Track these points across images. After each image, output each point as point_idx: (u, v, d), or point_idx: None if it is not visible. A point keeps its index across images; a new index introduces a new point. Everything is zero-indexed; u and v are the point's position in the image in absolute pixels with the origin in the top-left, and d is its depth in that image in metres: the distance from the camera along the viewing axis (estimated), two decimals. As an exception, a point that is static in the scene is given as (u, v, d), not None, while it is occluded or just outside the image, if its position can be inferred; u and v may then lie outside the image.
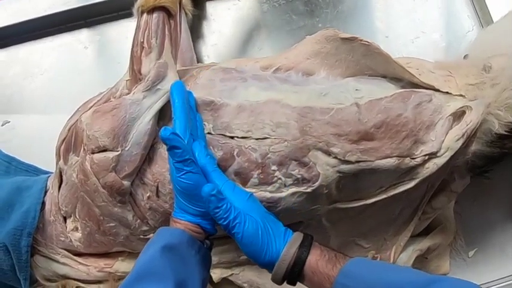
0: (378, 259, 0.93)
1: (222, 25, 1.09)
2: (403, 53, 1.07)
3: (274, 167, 0.82)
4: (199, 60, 1.06)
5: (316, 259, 0.72)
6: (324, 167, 0.82)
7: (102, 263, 0.96)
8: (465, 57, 0.94)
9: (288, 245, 0.73)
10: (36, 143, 1.06)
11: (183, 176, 0.74)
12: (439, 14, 1.10)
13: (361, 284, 0.66)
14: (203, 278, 0.75)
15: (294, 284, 0.74)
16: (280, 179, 0.83)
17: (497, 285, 1.00)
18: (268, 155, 0.82)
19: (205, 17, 1.09)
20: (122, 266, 0.95)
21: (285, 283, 0.76)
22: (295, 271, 0.72)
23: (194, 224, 0.76)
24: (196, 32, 1.08)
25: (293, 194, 0.83)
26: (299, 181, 0.83)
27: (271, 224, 0.75)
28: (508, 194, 1.06)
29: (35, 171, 1.02)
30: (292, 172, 0.82)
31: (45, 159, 0.99)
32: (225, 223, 0.72)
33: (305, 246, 0.73)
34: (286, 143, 0.82)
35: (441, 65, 0.92)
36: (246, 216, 0.73)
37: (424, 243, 0.95)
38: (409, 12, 1.10)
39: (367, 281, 0.66)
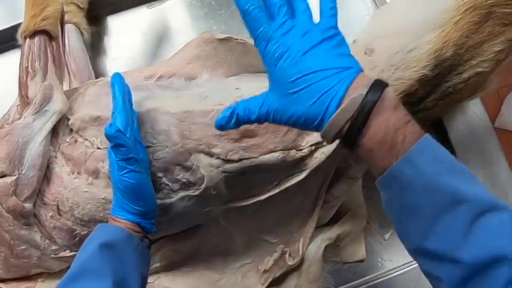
0: (287, 253, 0.93)
1: (121, 39, 1.11)
2: (300, 45, 1.06)
3: (160, 174, 0.83)
4: (102, 76, 1.08)
5: (378, 127, 0.56)
6: (208, 169, 0.83)
7: (23, 286, 0.98)
8: (354, 42, 0.94)
9: (338, 111, 0.57)
10: None
11: (125, 175, 0.73)
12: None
13: (422, 179, 0.55)
14: (143, 274, 0.75)
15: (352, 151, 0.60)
16: (167, 185, 0.84)
17: (415, 265, 0.99)
18: (153, 163, 0.83)
19: (106, 32, 1.11)
20: (43, 286, 0.97)
21: None
22: (350, 137, 0.58)
23: (134, 223, 0.76)
24: (97, 48, 1.10)
25: (182, 198, 0.84)
26: (186, 185, 0.84)
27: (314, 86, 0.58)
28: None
29: None
30: (178, 177, 0.83)
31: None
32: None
33: (368, 102, 0.56)
34: (167, 149, 0.83)
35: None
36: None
37: (332, 232, 0.95)
38: (302, 3, 1.09)
39: (430, 177, 0.55)
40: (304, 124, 0.60)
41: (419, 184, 0.55)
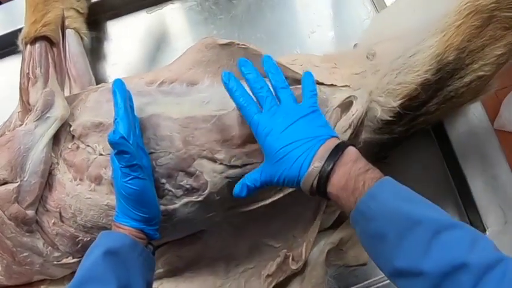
0: (290, 257, 0.93)
1: (121, 44, 1.10)
2: (301, 50, 1.07)
3: (163, 180, 0.83)
4: (103, 81, 1.07)
5: (338, 183, 0.69)
6: (211, 175, 0.82)
7: (25, 292, 0.97)
8: (355, 46, 0.94)
9: (309, 170, 0.71)
10: None
11: (129, 182, 0.73)
12: (333, 6, 1.10)
13: (384, 209, 0.65)
14: (147, 281, 0.75)
15: (328, 199, 0.73)
16: (171, 191, 0.84)
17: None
18: (156, 169, 0.83)
19: (105, 37, 1.11)
20: (45, 293, 0.96)
21: None
22: (320, 190, 0.71)
23: (137, 229, 0.76)
24: (97, 54, 1.10)
25: (186, 204, 0.84)
26: (189, 191, 0.83)
27: (291, 154, 0.73)
28: (419, 178, 1.06)
29: None
30: (181, 183, 0.83)
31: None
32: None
33: (330, 161, 0.70)
34: (170, 155, 0.83)
35: (328, 57, 0.92)
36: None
37: (335, 236, 0.95)
38: (303, 7, 1.10)
39: (389, 207, 0.64)
40: (288, 183, 0.73)
41: (382, 214, 0.64)
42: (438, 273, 0.58)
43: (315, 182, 0.70)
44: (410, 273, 0.60)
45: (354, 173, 0.68)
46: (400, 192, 0.67)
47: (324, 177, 0.69)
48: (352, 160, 0.70)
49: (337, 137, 0.74)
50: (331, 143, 0.72)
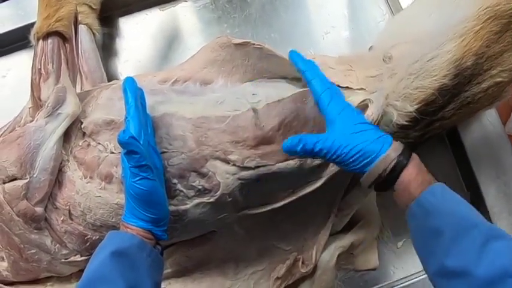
0: (300, 260, 0.92)
1: (132, 40, 1.09)
2: (314, 50, 1.06)
3: (174, 180, 0.82)
4: (114, 78, 1.07)
5: (410, 174, 0.72)
6: (224, 176, 0.82)
7: (32, 290, 0.97)
8: (370, 48, 0.93)
9: (389, 152, 0.73)
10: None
11: (138, 182, 0.73)
12: (348, 7, 1.09)
13: (443, 205, 0.68)
14: (155, 281, 0.75)
15: (384, 190, 0.75)
16: (182, 191, 0.83)
17: (428, 275, 0.98)
18: (168, 169, 0.82)
19: (117, 34, 1.10)
20: (52, 290, 0.96)
21: None
22: (391, 179, 0.72)
23: (146, 230, 0.76)
24: (108, 50, 1.09)
25: (197, 205, 0.83)
26: (201, 192, 0.83)
27: (366, 133, 0.74)
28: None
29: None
30: (193, 184, 0.82)
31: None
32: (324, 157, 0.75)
33: (404, 157, 0.72)
34: (183, 155, 0.82)
35: (343, 59, 0.91)
36: (335, 135, 0.74)
37: (346, 240, 0.94)
38: (317, 8, 1.09)
39: (449, 205, 0.68)
40: (356, 159, 0.73)
41: (441, 211, 0.67)
42: (487, 279, 0.60)
43: (390, 167, 0.71)
44: (459, 273, 0.62)
45: (420, 171, 0.72)
46: (456, 196, 0.70)
47: (402, 166, 0.71)
48: (419, 161, 0.74)
49: None
50: (399, 142, 0.75)
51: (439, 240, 0.66)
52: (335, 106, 0.75)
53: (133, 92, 0.76)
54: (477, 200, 1.04)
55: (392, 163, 0.71)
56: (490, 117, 1.03)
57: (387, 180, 0.72)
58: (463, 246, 0.63)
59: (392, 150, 0.72)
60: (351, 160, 0.73)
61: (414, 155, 0.73)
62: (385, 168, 0.71)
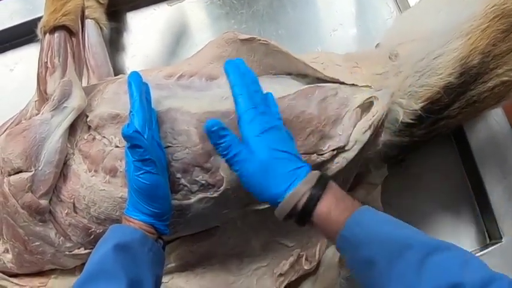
0: (304, 257, 0.92)
1: (140, 35, 1.10)
2: (322, 47, 1.06)
3: (178, 175, 0.82)
4: (121, 73, 1.07)
5: (328, 206, 0.68)
6: (227, 171, 0.82)
7: (36, 281, 0.97)
8: (377, 46, 0.93)
9: (299, 186, 0.69)
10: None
11: (141, 176, 0.72)
12: (356, 4, 1.09)
13: (370, 234, 0.64)
14: (157, 275, 0.75)
15: (303, 225, 0.71)
16: (186, 186, 0.83)
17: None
18: (172, 163, 0.82)
19: (125, 28, 1.10)
20: (55, 283, 0.96)
21: None
22: (305, 214, 0.69)
23: (148, 224, 0.76)
24: (116, 45, 1.09)
25: (201, 199, 0.83)
26: (204, 187, 0.83)
27: (280, 162, 0.70)
28: (437, 183, 1.05)
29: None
30: (197, 178, 0.82)
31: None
32: (225, 158, 0.73)
33: (318, 188, 0.68)
34: (187, 150, 0.82)
35: (350, 56, 0.91)
36: (249, 155, 0.71)
37: (349, 238, 0.93)
38: (325, 5, 1.09)
39: (376, 231, 0.64)
40: (261, 193, 0.71)
41: (369, 239, 0.63)
42: None
43: (303, 200, 0.68)
44: None
45: (338, 201, 0.68)
46: (384, 216, 0.67)
47: (316, 198, 0.68)
48: (337, 189, 0.70)
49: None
50: (316, 172, 0.71)
51: (374, 271, 0.62)
52: (255, 127, 0.71)
53: (138, 86, 0.76)
54: (482, 200, 1.03)
55: (305, 196, 0.68)
56: (496, 116, 1.02)
57: (303, 214, 0.69)
58: (400, 271, 0.59)
59: (305, 183, 0.68)
60: (257, 192, 0.71)
61: (331, 184, 0.70)
62: (297, 202, 0.68)
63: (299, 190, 0.68)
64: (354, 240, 0.64)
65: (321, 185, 0.68)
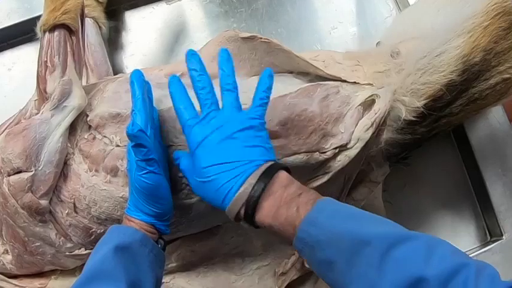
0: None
1: (138, 34, 1.09)
2: (321, 46, 1.06)
3: (180, 174, 0.82)
4: (120, 72, 1.06)
5: (269, 206, 0.65)
6: (229, 170, 0.81)
7: (36, 282, 0.96)
8: (378, 44, 0.93)
9: (235, 198, 0.66)
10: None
11: (144, 175, 0.72)
12: (356, 2, 1.09)
13: (326, 234, 0.60)
14: (157, 277, 0.74)
15: (256, 227, 0.68)
16: (187, 185, 0.82)
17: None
18: (174, 163, 0.81)
19: (123, 27, 1.09)
20: (56, 284, 0.96)
21: None
22: (248, 220, 0.67)
23: (149, 224, 0.75)
24: (115, 44, 1.08)
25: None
26: (206, 186, 0.82)
27: (217, 178, 0.68)
28: (438, 180, 1.05)
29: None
30: (199, 177, 0.81)
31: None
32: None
33: (257, 189, 0.65)
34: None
35: (351, 54, 0.90)
36: (193, 169, 0.71)
37: (351, 236, 0.93)
38: (324, 3, 1.09)
39: (332, 230, 0.60)
40: (211, 203, 0.69)
41: (325, 240, 0.60)
42: None
43: (242, 210, 0.66)
44: None
45: (285, 200, 0.64)
46: (340, 212, 0.63)
47: (251, 207, 0.65)
48: (283, 185, 0.65)
49: (272, 160, 0.69)
50: (261, 170, 0.66)
51: (334, 271, 0.60)
52: (193, 139, 0.69)
53: (141, 84, 0.75)
54: (483, 198, 1.03)
55: (242, 209, 0.66)
56: (496, 114, 1.03)
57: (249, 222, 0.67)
58: (359, 270, 0.57)
59: (243, 189, 0.66)
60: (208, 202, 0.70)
61: (277, 176, 0.66)
62: (237, 213, 0.67)
63: (236, 200, 0.66)
64: (310, 242, 0.61)
65: (258, 189, 0.65)
